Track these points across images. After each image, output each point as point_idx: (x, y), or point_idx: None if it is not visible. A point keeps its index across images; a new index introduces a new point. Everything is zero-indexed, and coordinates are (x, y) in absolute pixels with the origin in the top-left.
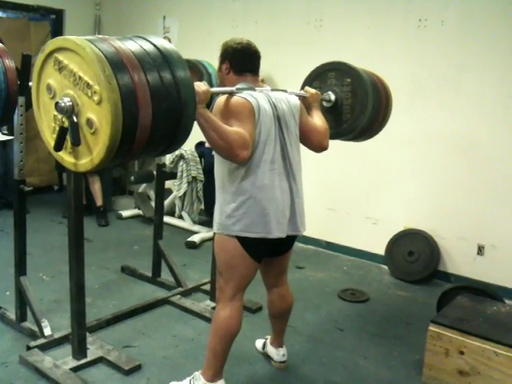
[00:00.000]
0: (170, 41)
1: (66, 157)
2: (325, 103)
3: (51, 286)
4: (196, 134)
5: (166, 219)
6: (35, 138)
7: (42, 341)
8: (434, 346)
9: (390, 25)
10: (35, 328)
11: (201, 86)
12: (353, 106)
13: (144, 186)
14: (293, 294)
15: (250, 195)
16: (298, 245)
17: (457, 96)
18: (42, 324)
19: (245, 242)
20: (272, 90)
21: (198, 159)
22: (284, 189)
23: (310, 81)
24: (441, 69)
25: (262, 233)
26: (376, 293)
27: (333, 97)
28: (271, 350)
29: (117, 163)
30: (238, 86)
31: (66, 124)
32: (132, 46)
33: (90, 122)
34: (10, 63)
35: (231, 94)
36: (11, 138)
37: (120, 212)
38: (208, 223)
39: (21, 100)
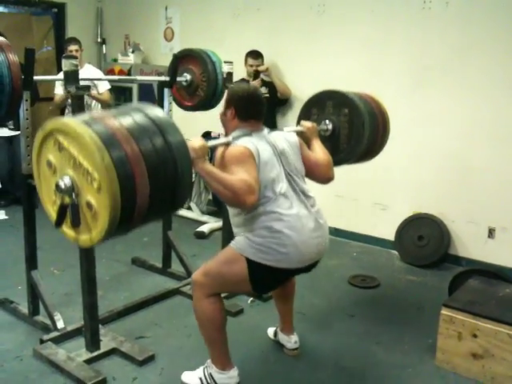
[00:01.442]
0: (172, 32)
1: (66, 229)
2: (322, 132)
3: (62, 279)
4: (202, 125)
5: None
6: None
7: (55, 334)
8: (447, 330)
9: (394, 7)
10: (48, 321)
11: (197, 142)
12: (349, 136)
13: None
14: (303, 281)
15: (270, 227)
16: None
17: (461, 78)
18: (55, 317)
19: (256, 269)
20: (269, 132)
21: None
22: (304, 217)
23: (308, 106)
24: (444, 52)
25: (281, 263)
26: (386, 278)
27: (330, 126)
28: (283, 338)
29: (116, 237)
30: (234, 134)
31: (67, 200)
32: (129, 122)
33: (89, 205)
34: (13, 57)
35: (228, 144)
36: (17, 133)
37: None
38: (216, 213)
39: (26, 94)
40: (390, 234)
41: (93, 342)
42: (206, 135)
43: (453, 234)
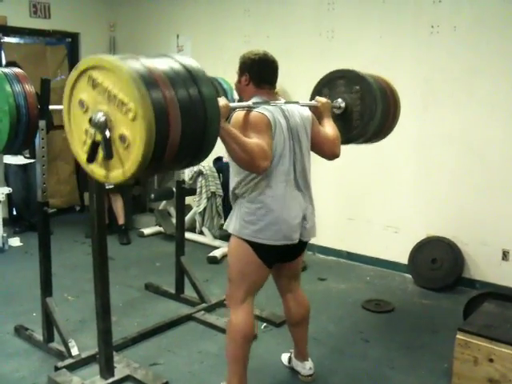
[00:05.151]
0: None
1: (96, 169)
2: (335, 110)
3: (76, 305)
4: (214, 149)
5: (187, 235)
6: (56, 159)
7: (69, 361)
8: (463, 355)
9: (402, 33)
10: (62, 348)
11: (220, 101)
12: (362, 112)
13: (164, 203)
14: (316, 306)
15: (263, 204)
16: (318, 256)
17: (470, 99)
18: (69, 344)
19: (256, 246)
20: (285, 102)
21: (216, 174)
22: (296, 198)
23: (319, 88)
24: (453, 73)
25: (272, 240)
26: (400, 302)
27: (343, 104)
28: (297, 364)
29: (145, 177)
30: (253, 99)
31: (98, 138)
32: (162, 65)
33: (123, 138)
34: (29, 88)
35: (248, 108)
36: (32, 161)
37: (141, 230)
38: (229, 238)
39: (41, 124)
40: (403, 258)
41: (107, 369)
42: (217, 160)
43: (466, 257)
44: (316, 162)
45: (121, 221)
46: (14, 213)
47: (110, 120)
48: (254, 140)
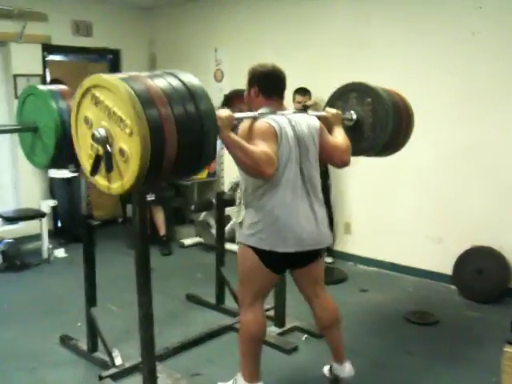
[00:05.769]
0: (222, 73)
1: (100, 180)
2: (346, 122)
3: (120, 315)
4: None
5: (227, 246)
6: None
7: (113, 370)
8: (511, 368)
9: (442, 42)
10: (106, 358)
11: (224, 112)
12: (374, 124)
13: (204, 214)
14: (357, 318)
15: (269, 212)
16: (359, 267)
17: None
18: (113, 354)
19: (261, 254)
20: (293, 112)
21: None
22: (305, 205)
23: (332, 101)
24: (492, 82)
25: (278, 247)
26: (445, 314)
27: (354, 116)
28: (336, 368)
29: (146, 187)
30: (260, 110)
31: (101, 152)
32: (161, 82)
33: (122, 152)
34: None
35: (254, 118)
36: (76, 174)
37: (182, 240)
38: None
39: None
40: (447, 268)
41: (150, 379)
42: None
43: None
44: (356, 173)
45: (162, 232)
46: (59, 225)
47: (111, 135)
48: (259, 147)
